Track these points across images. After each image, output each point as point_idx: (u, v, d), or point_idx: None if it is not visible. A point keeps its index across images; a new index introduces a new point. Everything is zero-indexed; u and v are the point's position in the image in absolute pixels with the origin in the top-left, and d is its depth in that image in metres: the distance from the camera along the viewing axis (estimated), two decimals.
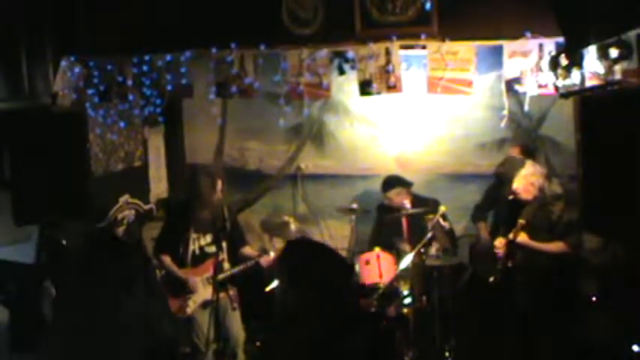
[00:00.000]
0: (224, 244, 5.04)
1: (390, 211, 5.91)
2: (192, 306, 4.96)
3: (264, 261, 5.08)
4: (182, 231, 5.00)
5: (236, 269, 5.06)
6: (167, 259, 4.98)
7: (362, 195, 6.62)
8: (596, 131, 3.46)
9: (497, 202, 5.50)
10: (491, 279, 4.76)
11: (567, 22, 4.18)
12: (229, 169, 6.67)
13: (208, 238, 5.02)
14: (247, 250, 5.25)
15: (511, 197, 4.92)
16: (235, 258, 5.16)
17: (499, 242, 4.94)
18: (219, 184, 4.96)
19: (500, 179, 5.46)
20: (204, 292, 4.94)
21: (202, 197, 4.94)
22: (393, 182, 5.88)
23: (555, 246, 4.83)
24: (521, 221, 4.80)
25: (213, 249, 4.98)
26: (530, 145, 5.99)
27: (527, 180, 4.90)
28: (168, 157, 6.95)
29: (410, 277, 5.39)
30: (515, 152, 5.77)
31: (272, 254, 5.11)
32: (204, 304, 4.93)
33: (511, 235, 4.78)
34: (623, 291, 4.67)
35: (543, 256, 4.86)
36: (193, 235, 5.00)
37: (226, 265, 5.08)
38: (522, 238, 4.81)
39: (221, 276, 4.90)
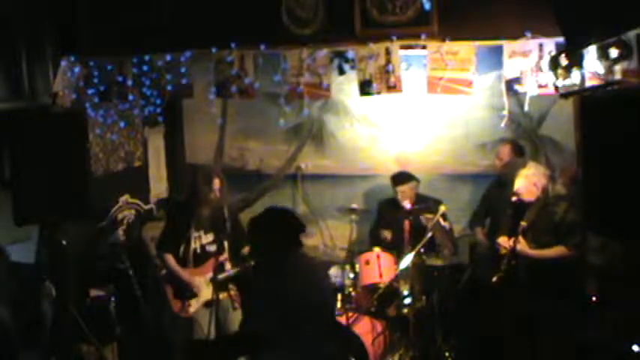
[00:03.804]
0: (226, 244, 5.04)
1: (392, 206, 5.91)
2: (194, 306, 4.96)
3: None
4: (183, 230, 5.00)
5: (235, 270, 5.05)
6: (171, 259, 4.98)
7: (362, 195, 6.62)
8: (596, 131, 3.45)
9: (495, 207, 5.50)
10: (495, 278, 4.75)
11: (567, 22, 4.18)
12: (229, 169, 6.66)
13: (210, 236, 5.02)
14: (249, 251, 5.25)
15: (514, 199, 4.90)
16: (237, 258, 5.16)
17: (502, 240, 4.91)
18: (217, 183, 4.95)
19: (503, 182, 5.46)
20: (207, 292, 4.95)
21: (199, 195, 4.95)
22: (405, 177, 5.87)
23: (556, 251, 4.80)
24: (523, 224, 4.78)
25: (214, 247, 4.98)
26: (521, 142, 5.99)
27: (528, 180, 4.88)
28: (168, 157, 6.95)
29: (410, 277, 5.39)
30: (506, 150, 5.77)
31: None
32: (207, 304, 4.93)
33: (511, 242, 4.76)
34: (623, 291, 4.67)
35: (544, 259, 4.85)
36: (195, 234, 5.00)
37: (228, 266, 5.08)
38: (522, 246, 4.79)
39: (220, 276, 4.90)
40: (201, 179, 4.97)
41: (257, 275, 3.94)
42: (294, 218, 3.96)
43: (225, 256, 5.04)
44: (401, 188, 5.79)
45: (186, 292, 4.96)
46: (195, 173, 5.13)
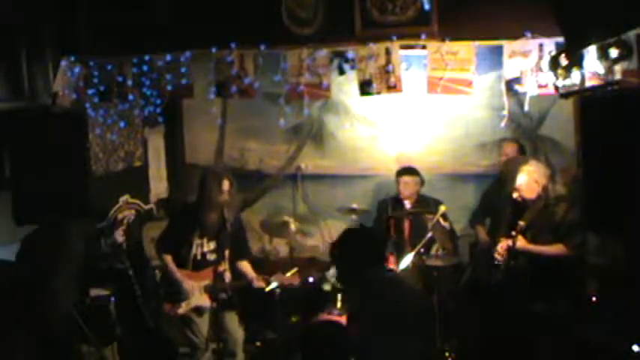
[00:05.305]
0: (226, 253, 5.00)
1: (394, 205, 5.90)
2: (184, 307, 4.91)
3: (257, 283, 5.04)
4: (187, 233, 4.96)
5: (228, 287, 5.02)
6: (169, 259, 4.95)
7: (362, 195, 6.62)
8: (596, 131, 3.46)
9: (495, 205, 5.49)
10: (495, 279, 4.75)
11: (567, 22, 4.18)
12: (229, 169, 6.66)
13: (211, 244, 4.97)
14: (245, 267, 5.15)
15: (515, 195, 4.88)
16: (233, 268, 5.12)
17: (500, 248, 4.90)
18: (226, 184, 4.92)
19: (503, 180, 5.46)
20: (199, 297, 4.89)
21: (210, 200, 4.89)
22: (411, 170, 5.89)
23: (556, 249, 4.80)
24: (522, 223, 4.78)
25: (214, 256, 4.95)
26: (524, 143, 6.00)
27: (530, 176, 4.87)
28: (168, 157, 6.95)
29: (410, 277, 5.38)
30: (509, 148, 5.78)
31: (261, 282, 5.06)
32: (198, 309, 4.90)
33: (510, 242, 4.76)
34: (623, 291, 4.67)
35: (544, 256, 4.85)
36: (197, 240, 4.94)
37: (228, 275, 5.04)
38: (522, 243, 4.79)
39: (219, 286, 4.88)
40: (212, 180, 4.92)
41: (354, 298, 3.90)
42: (372, 235, 4.05)
43: (224, 266, 5.01)
44: (404, 179, 5.81)
45: (177, 294, 4.91)
46: (206, 177, 5.07)
